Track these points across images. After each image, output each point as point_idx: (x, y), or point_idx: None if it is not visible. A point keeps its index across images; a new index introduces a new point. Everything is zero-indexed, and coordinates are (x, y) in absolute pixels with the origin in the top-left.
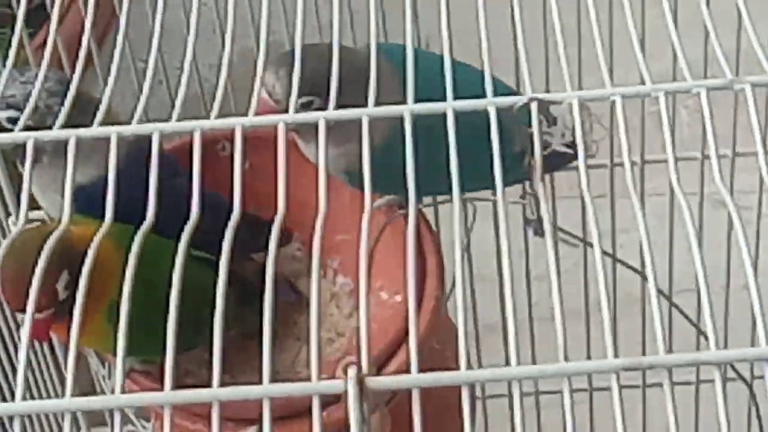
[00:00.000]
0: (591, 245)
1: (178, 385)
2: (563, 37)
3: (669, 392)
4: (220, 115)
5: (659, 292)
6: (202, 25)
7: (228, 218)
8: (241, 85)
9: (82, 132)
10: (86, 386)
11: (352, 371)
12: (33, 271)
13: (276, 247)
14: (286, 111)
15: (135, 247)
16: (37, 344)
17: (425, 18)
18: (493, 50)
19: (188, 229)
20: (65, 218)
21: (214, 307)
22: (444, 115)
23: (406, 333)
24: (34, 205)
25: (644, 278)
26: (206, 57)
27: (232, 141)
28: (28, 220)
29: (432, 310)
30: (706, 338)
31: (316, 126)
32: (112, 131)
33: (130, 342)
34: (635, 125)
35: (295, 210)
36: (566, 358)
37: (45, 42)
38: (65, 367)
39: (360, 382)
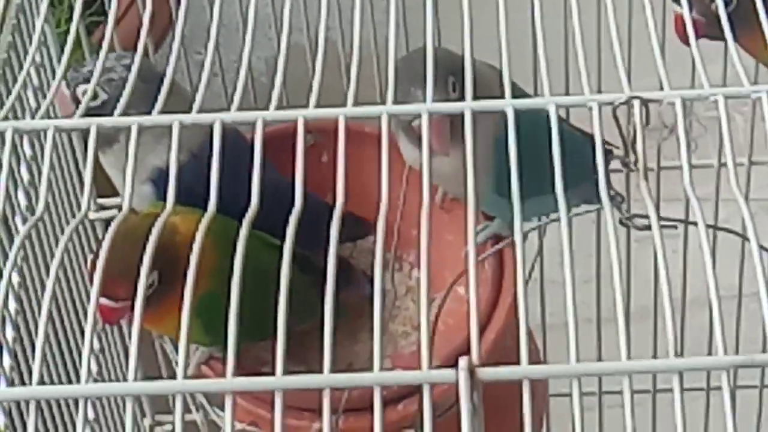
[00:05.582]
0: (694, 224)
1: (252, 373)
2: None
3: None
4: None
5: None
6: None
7: (311, 208)
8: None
9: (183, 117)
10: (150, 371)
11: (463, 361)
12: (130, 263)
13: (381, 244)
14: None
15: (240, 249)
16: (108, 328)
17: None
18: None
19: (292, 223)
20: (169, 207)
21: (293, 297)
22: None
23: (483, 328)
24: (106, 192)
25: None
26: (260, 51)
27: (313, 132)
28: (102, 207)
29: (509, 305)
30: None
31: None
32: (216, 118)
33: (218, 331)
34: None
35: (375, 206)
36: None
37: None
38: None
39: (471, 372)
